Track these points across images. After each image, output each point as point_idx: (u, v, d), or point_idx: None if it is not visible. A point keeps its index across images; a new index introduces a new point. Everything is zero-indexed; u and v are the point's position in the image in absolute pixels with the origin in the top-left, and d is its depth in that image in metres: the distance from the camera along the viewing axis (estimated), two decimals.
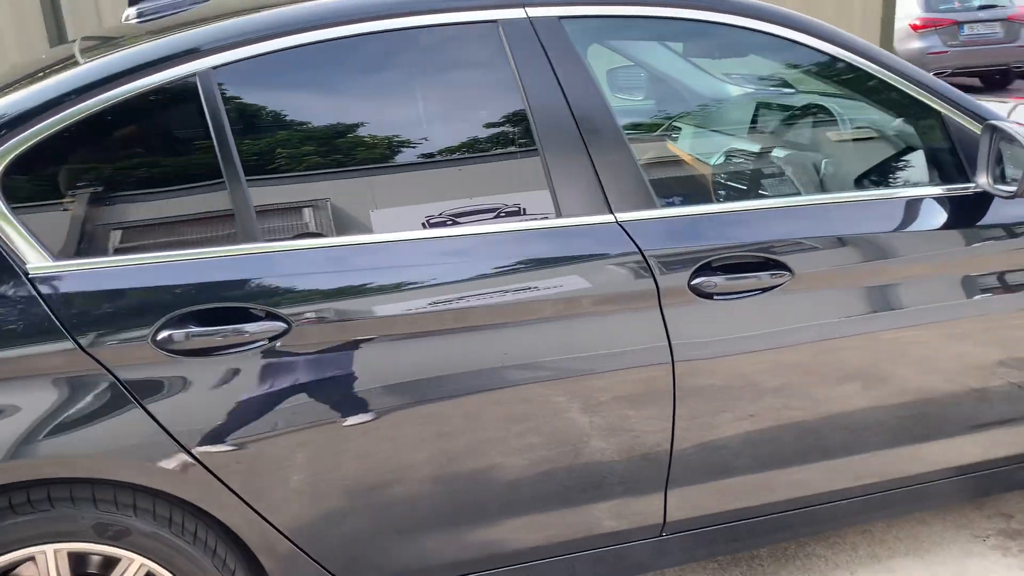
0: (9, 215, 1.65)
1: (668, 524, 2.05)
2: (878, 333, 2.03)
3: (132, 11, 2.31)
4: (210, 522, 1.79)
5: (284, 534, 1.78)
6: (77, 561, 1.72)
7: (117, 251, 1.69)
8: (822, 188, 2.21)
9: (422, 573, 1.91)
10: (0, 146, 1.66)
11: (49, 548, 1.68)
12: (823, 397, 2.03)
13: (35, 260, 1.64)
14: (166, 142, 1.77)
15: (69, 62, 1.86)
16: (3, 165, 1.66)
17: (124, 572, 1.73)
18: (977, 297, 2.11)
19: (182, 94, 1.75)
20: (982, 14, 11.00)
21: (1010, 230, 2.11)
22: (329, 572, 1.84)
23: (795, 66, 2.19)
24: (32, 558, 1.68)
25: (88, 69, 1.75)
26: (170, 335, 1.64)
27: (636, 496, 1.99)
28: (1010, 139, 1.98)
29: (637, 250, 1.86)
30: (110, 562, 1.74)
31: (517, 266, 1.81)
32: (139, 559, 1.73)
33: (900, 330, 2.05)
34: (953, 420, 2.19)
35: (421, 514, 1.84)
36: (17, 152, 1.67)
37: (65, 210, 1.72)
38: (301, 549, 1.80)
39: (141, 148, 1.75)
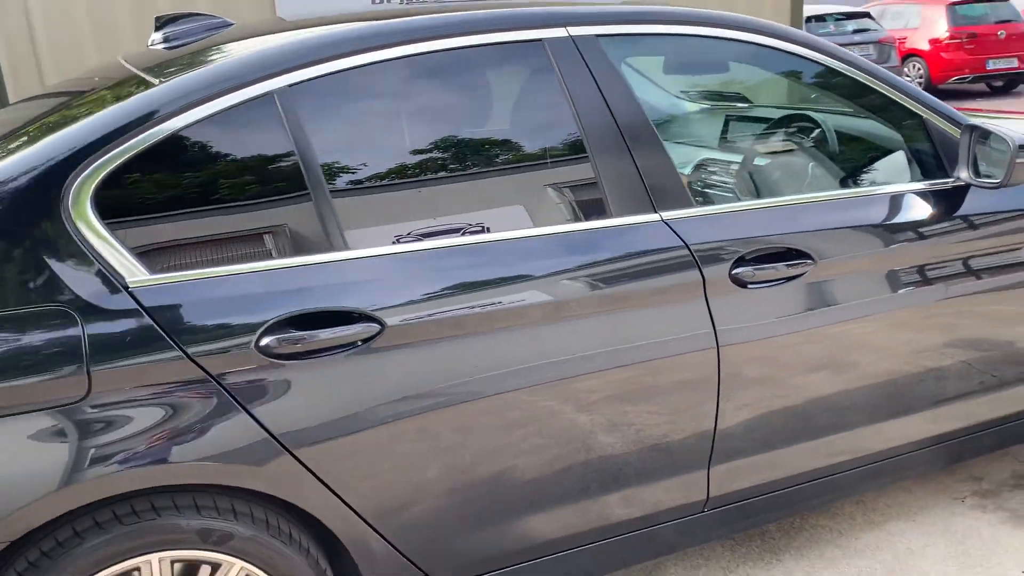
0: (105, 233, 1.68)
1: (711, 500, 2.22)
2: (884, 314, 2.26)
3: (158, 36, 2.35)
4: (302, 522, 1.84)
5: (376, 529, 1.85)
6: (179, 569, 1.75)
7: (210, 263, 1.74)
8: (830, 186, 2.43)
9: (497, 560, 2.01)
10: (90, 165, 1.70)
11: (154, 557, 1.70)
12: (841, 376, 2.24)
13: (133, 275, 1.68)
14: (249, 157, 1.83)
15: (133, 82, 1.90)
16: (95, 184, 1.69)
17: None
18: (956, 280, 2.36)
19: (262, 110, 1.82)
20: (856, 37, 11.84)
21: (985, 217, 2.38)
22: (416, 566, 1.92)
23: (805, 81, 2.42)
24: (137, 568, 1.70)
25: (167, 89, 1.80)
26: (271, 341, 1.71)
27: (686, 473, 2.14)
28: (987, 135, 2.26)
29: (684, 244, 2.03)
30: (210, 567, 1.77)
31: (584, 263, 1.95)
32: (239, 563, 1.77)
33: (900, 310, 2.29)
34: (934, 392, 2.43)
35: (507, 501, 1.95)
36: (107, 171, 1.71)
37: (156, 225, 1.76)
38: (391, 544, 1.87)
39: (225, 163, 1.81)
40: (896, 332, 2.30)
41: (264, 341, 1.71)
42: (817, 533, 2.66)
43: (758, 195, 2.51)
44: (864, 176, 2.46)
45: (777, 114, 2.65)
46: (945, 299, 2.33)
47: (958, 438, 2.56)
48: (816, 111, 2.58)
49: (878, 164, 2.44)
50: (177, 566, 1.75)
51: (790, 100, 2.64)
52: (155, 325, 1.65)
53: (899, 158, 2.43)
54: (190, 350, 1.66)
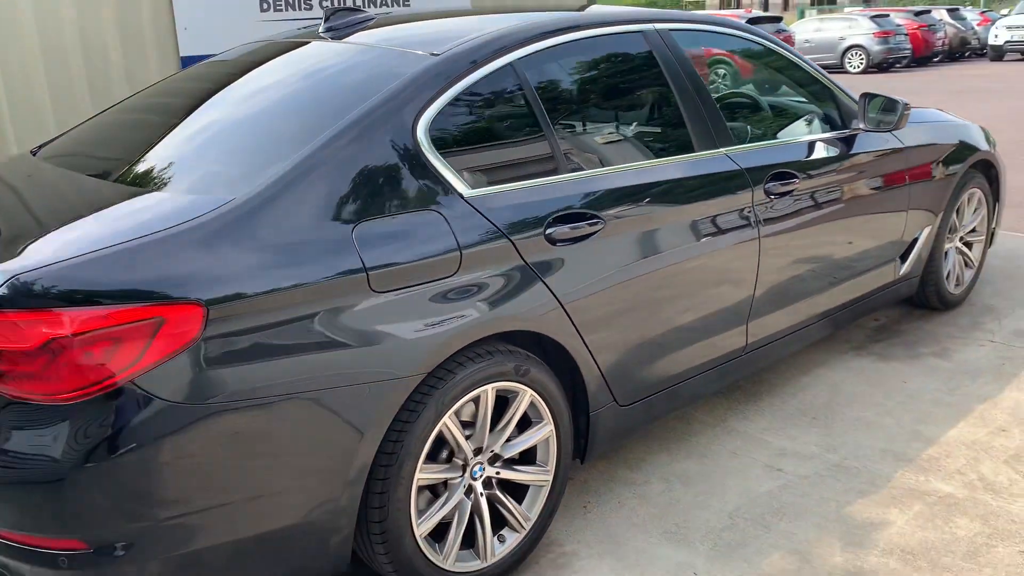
0: (442, 159, 2.38)
1: (748, 346, 3.27)
2: (830, 217, 3.46)
3: (323, 26, 2.98)
4: (554, 360, 2.62)
5: (596, 362, 2.67)
6: (495, 399, 2.47)
7: (505, 180, 2.50)
8: (795, 132, 3.61)
9: (650, 388, 2.91)
10: (425, 112, 2.39)
11: (489, 387, 2.41)
12: (806, 262, 3.40)
13: (464, 189, 2.39)
14: (507, 107, 2.60)
15: (400, 54, 2.58)
16: (429, 125, 2.38)
17: (520, 403, 2.51)
18: (850, 198, 3.62)
19: (510, 72, 2.60)
20: None
21: (866, 153, 3.68)
22: (610, 391, 2.76)
23: (772, 64, 3.58)
24: (478, 397, 2.40)
25: (449, 59, 2.52)
26: (552, 231, 2.50)
27: (736, 326, 3.18)
28: (875, 98, 3.55)
29: (739, 169, 3.07)
30: (507, 399, 2.50)
31: (688, 181, 2.92)
32: (529, 391, 2.52)
33: (836, 213, 3.50)
34: (827, 279, 3.66)
35: (665, 342, 2.86)
36: (435, 115, 2.41)
37: (465, 153, 2.47)
38: (602, 373, 2.71)
39: (498, 111, 2.57)
40: (828, 232, 3.50)
41: (548, 232, 2.49)
42: (773, 383, 3.82)
43: (782, 135, 3.60)
44: (807, 127, 3.66)
45: (774, 93, 3.82)
46: (840, 211, 3.57)
47: (839, 312, 3.80)
48: (789, 88, 3.76)
49: (813, 120, 3.66)
50: (496, 396, 2.47)
51: (763, 77, 3.81)
52: (489, 222, 2.38)
53: (818, 116, 3.66)
54: (511, 238, 2.41)
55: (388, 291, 2.17)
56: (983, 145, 4.40)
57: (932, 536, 2.70)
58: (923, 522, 2.77)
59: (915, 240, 4.08)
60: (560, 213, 2.54)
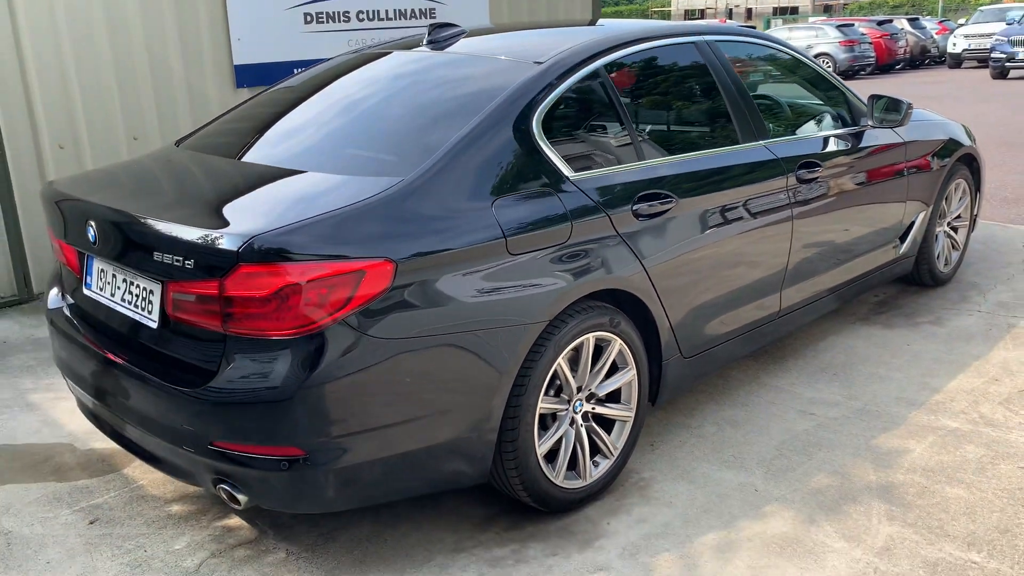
0: (552, 147, 2.90)
1: (781, 311, 3.83)
2: (845, 200, 4.03)
3: (427, 39, 3.49)
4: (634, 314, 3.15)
5: (668, 318, 3.20)
6: (593, 346, 2.99)
7: (598, 165, 3.02)
8: (814, 129, 4.18)
9: (707, 343, 3.44)
10: (538, 107, 2.91)
11: (591, 336, 2.93)
12: (825, 239, 3.97)
13: (569, 172, 2.92)
14: (597, 105, 3.13)
15: (507, 64, 3.10)
16: (541, 118, 2.91)
17: (612, 350, 3.03)
18: (861, 185, 4.20)
19: (597, 77, 3.14)
20: None
21: (874, 146, 4.26)
22: (678, 345, 3.30)
23: (794, 71, 4.15)
24: (582, 344, 2.92)
25: (550, 67, 3.04)
26: (638, 208, 3.03)
27: (772, 294, 3.73)
28: (881, 98, 4.14)
29: (776, 158, 3.63)
30: (601, 347, 3.02)
31: (738, 167, 3.47)
32: (619, 341, 3.04)
33: (850, 197, 4.07)
34: (842, 255, 4.24)
35: (720, 304, 3.40)
36: (545, 110, 2.93)
37: (566, 143, 2.99)
38: (672, 327, 3.24)
39: (595, 106, 3.11)
40: (843, 213, 4.08)
41: (635, 207, 3.02)
42: (795, 347, 4.38)
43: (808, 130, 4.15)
44: (823, 123, 4.23)
45: (797, 94, 4.39)
46: (851, 198, 4.16)
47: (845, 287, 4.38)
48: (808, 90, 4.32)
49: (830, 118, 4.23)
50: (594, 344, 2.98)
51: (787, 79, 4.38)
52: (590, 199, 2.91)
53: (831, 114, 4.24)
54: (608, 213, 2.93)
55: (520, 254, 2.68)
56: (966, 141, 5.02)
57: (946, 459, 3.27)
58: (938, 449, 3.34)
59: (912, 224, 4.67)
60: (642, 192, 3.07)
